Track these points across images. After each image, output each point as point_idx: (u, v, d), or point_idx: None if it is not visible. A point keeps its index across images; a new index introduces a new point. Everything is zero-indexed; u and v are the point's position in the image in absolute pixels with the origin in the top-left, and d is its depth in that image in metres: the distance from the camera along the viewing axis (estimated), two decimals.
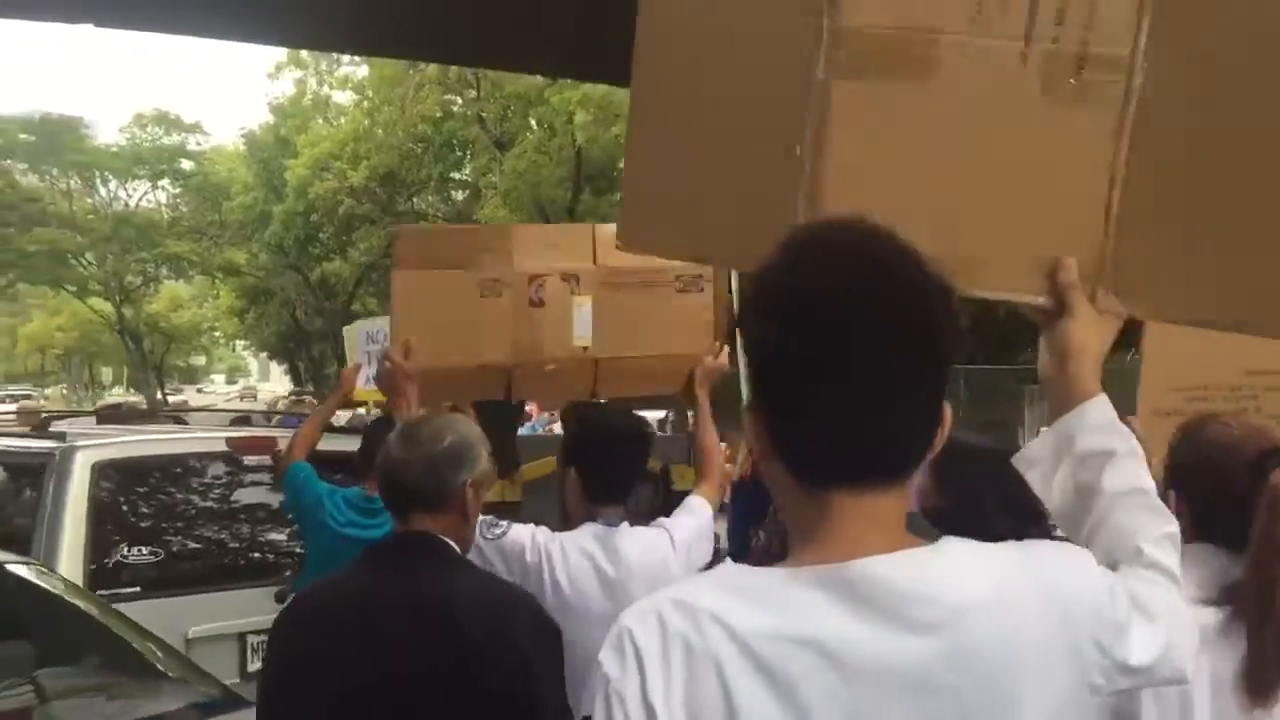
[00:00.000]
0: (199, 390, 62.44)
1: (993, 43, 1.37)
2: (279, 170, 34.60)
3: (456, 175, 32.52)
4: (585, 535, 2.71)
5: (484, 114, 27.97)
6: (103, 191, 43.15)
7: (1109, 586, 1.15)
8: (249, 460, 5.30)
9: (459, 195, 32.81)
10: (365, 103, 31.36)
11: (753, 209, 1.43)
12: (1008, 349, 23.28)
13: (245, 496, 5.32)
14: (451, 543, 2.25)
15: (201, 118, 76.36)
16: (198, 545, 5.04)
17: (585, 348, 3.38)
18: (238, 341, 56.71)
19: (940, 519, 2.35)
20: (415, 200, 32.43)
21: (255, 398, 47.05)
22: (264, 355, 55.70)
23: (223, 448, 5.29)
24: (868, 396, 1.05)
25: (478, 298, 3.23)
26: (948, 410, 1.13)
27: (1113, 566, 1.24)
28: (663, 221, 1.59)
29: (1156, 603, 1.20)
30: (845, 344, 1.04)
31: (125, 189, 43.24)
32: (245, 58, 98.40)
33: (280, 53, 35.30)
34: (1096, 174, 1.39)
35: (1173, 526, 1.30)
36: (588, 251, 3.37)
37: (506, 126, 28.05)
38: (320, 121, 35.62)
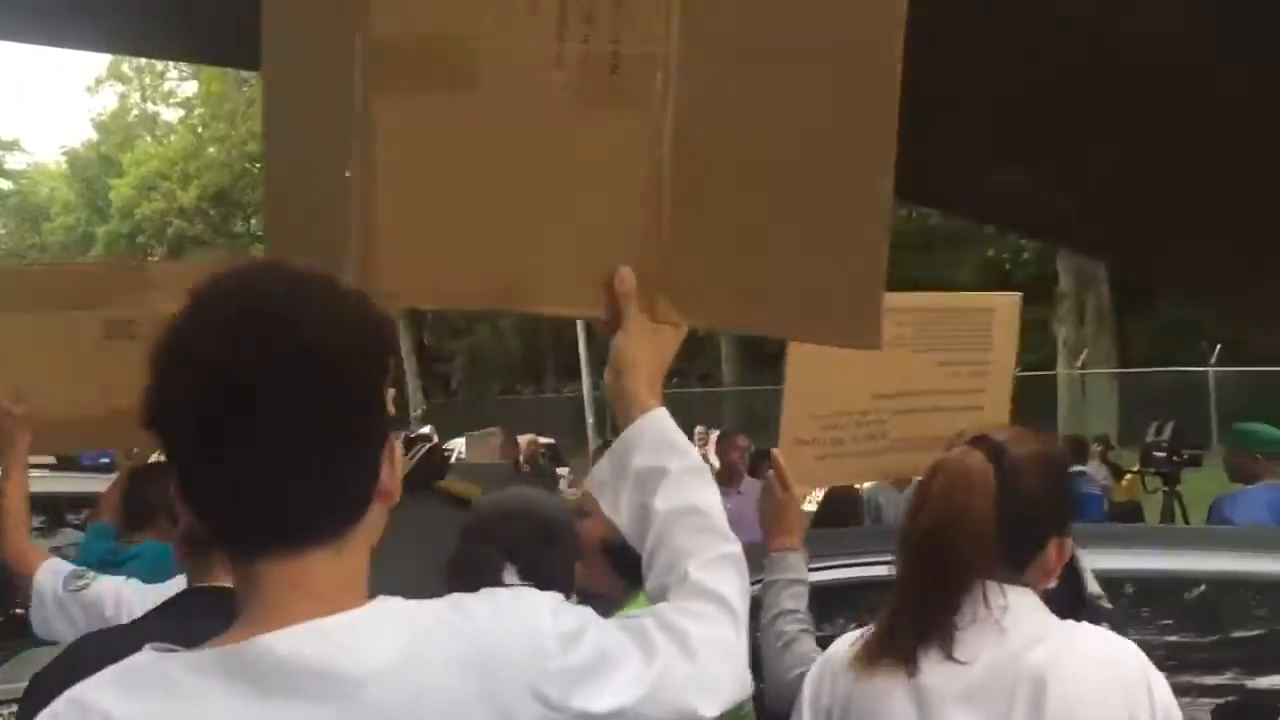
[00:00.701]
0: None
1: (526, 46, 1.33)
2: (103, 190, 33.22)
3: None
4: (176, 588, 2.41)
5: None
6: None
7: (561, 634, 1.08)
8: None
9: None
10: (194, 119, 30.21)
11: (324, 239, 1.37)
12: None
13: None
14: None
15: (20, 134, 72.23)
16: None
17: None
18: None
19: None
20: (253, 221, 31.35)
21: None
22: None
23: None
24: (255, 458, 1.00)
25: (102, 339, 3.05)
26: (398, 450, 1.09)
27: (664, 591, 1.22)
28: (296, 250, 1.50)
29: (683, 637, 1.15)
30: (225, 404, 0.99)
31: None
32: (67, 70, 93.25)
33: (100, 66, 33.68)
34: (645, 178, 1.36)
35: (732, 547, 1.24)
36: None
37: None
38: (148, 139, 34.21)
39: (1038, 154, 9.47)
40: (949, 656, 1.52)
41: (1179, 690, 2.67)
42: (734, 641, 1.19)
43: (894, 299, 2.58)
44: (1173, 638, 2.71)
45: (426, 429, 11.08)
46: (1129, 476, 10.51)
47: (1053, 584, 1.63)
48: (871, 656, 1.57)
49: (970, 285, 25.49)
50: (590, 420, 18.31)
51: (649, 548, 1.26)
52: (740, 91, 1.37)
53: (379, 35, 1.29)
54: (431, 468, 7.42)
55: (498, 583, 1.85)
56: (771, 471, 2.19)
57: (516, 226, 1.36)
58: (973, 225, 22.55)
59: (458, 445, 11.94)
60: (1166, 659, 2.69)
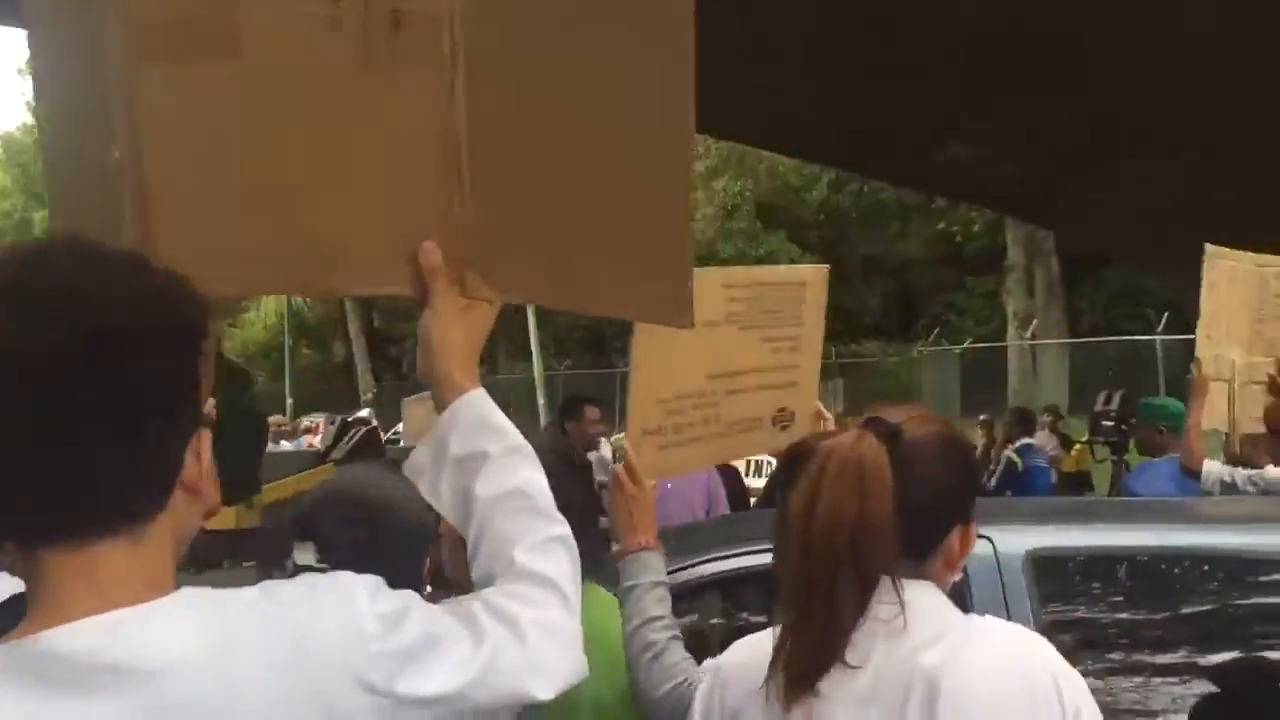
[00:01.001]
0: None
1: (298, 8, 1.24)
2: (40, 175, 32.54)
3: None
4: None
5: None
6: None
7: (381, 616, 1.06)
8: None
9: None
10: None
11: (103, 226, 1.26)
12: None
13: None
14: None
15: None
16: None
17: None
18: None
19: None
20: None
21: None
22: None
23: None
24: (37, 443, 0.96)
25: None
26: (206, 441, 1.08)
27: (491, 579, 1.20)
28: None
29: (512, 620, 1.14)
30: (4, 384, 0.95)
31: None
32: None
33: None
34: (441, 145, 1.28)
35: (560, 529, 1.23)
36: None
37: None
38: None
39: (984, 124, 9.43)
40: (840, 660, 1.37)
41: (1130, 670, 2.60)
42: (566, 623, 1.18)
43: (726, 274, 2.49)
44: (1123, 615, 2.61)
45: (364, 412, 10.85)
46: (1078, 447, 10.54)
47: (958, 576, 1.49)
48: (773, 680, 1.42)
49: (921, 258, 25.68)
50: (541, 401, 18.17)
51: (473, 535, 1.24)
52: (532, 54, 1.30)
53: (137, 2, 1.21)
54: (368, 452, 7.24)
55: (286, 559, 1.73)
56: (619, 465, 2.04)
57: (307, 203, 1.27)
58: (923, 199, 22.61)
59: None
60: (1118, 637, 2.60)
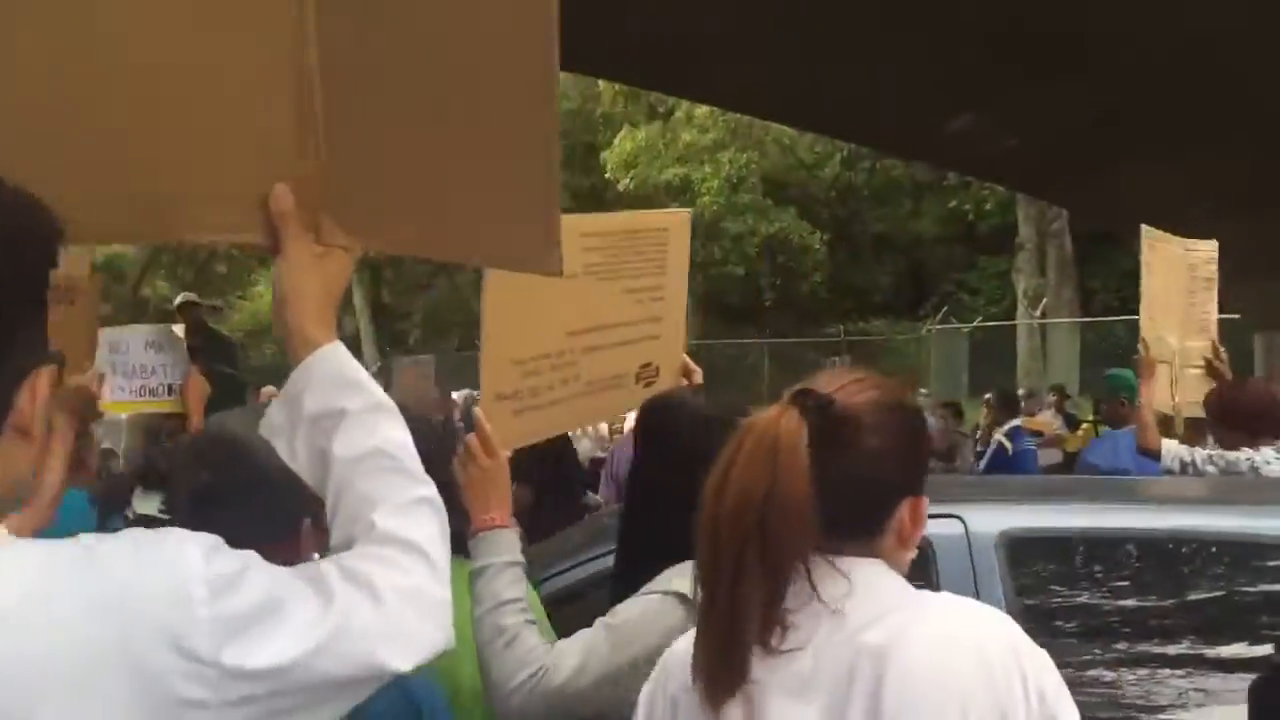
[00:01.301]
0: None
1: None
2: None
3: None
4: None
5: None
6: None
7: (213, 579, 0.98)
8: None
9: None
10: None
11: None
12: (813, 322, 23.60)
13: None
14: None
15: None
16: None
17: None
18: None
19: None
20: None
21: None
22: None
23: None
24: None
25: None
26: (44, 382, 0.99)
27: (350, 544, 1.14)
28: None
29: (367, 584, 1.07)
30: None
31: None
32: None
33: None
34: (293, 83, 1.20)
35: (426, 489, 1.17)
36: None
37: None
38: None
39: (992, 97, 9.30)
40: (779, 646, 1.26)
41: (1135, 661, 2.47)
42: (431, 588, 1.11)
43: (584, 222, 2.32)
44: (1101, 599, 2.49)
45: None
46: (1084, 426, 10.41)
47: (913, 553, 1.36)
48: (699, 668, 1.31)
49: (933, 236, 25.44)
50: None
51: (331, 498, 1.16)
52: None
53: None
54: None
55: (126, 507, 1.61)
56: (471, 435, 1.91)
57: (145, 145, 1.17)
58: (936, 176, 22.39)
59: None
60: (1096, 622, 2.48)
